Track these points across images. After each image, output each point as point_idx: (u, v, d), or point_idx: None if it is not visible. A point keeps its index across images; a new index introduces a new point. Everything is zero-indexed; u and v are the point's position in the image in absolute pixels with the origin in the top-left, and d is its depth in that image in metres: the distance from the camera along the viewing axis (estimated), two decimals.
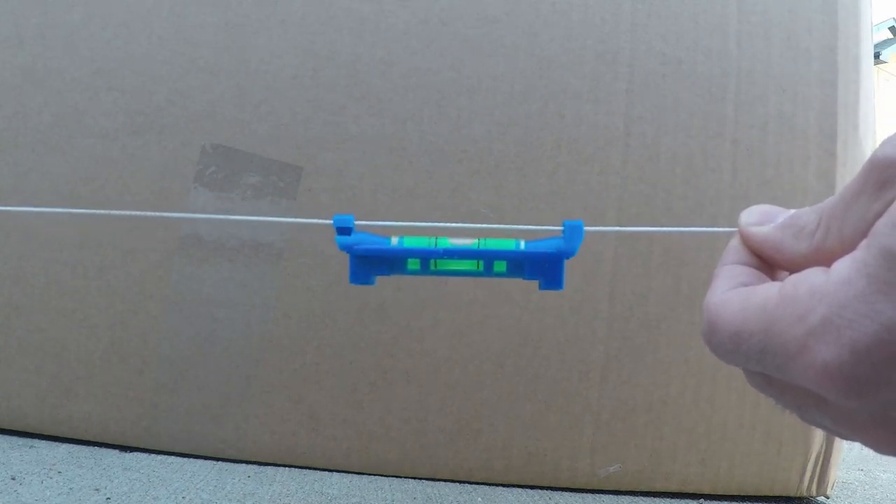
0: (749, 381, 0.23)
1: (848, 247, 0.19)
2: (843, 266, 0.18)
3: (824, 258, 0.20)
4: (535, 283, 0.29)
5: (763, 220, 0.23)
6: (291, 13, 0.65)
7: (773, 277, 0.23)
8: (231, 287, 0.63)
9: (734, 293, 0.22)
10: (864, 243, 0.18)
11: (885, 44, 8.90)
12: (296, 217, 0.63)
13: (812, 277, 0.19)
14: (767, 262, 0.23)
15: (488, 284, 0.63)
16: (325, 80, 0.64)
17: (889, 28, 9.33)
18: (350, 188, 0.63)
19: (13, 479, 0.53)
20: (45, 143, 0.65)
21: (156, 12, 0.65)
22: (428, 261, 0.30)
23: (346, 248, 0.30)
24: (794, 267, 0.22)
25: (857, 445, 1.00)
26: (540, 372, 0.63)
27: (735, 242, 0.24)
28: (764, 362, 0.20)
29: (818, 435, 0.66)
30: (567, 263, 0.29)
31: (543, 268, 0.29)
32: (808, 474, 0.66)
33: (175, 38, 0.65)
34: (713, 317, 0.22)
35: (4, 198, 0.65)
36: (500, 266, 0.30)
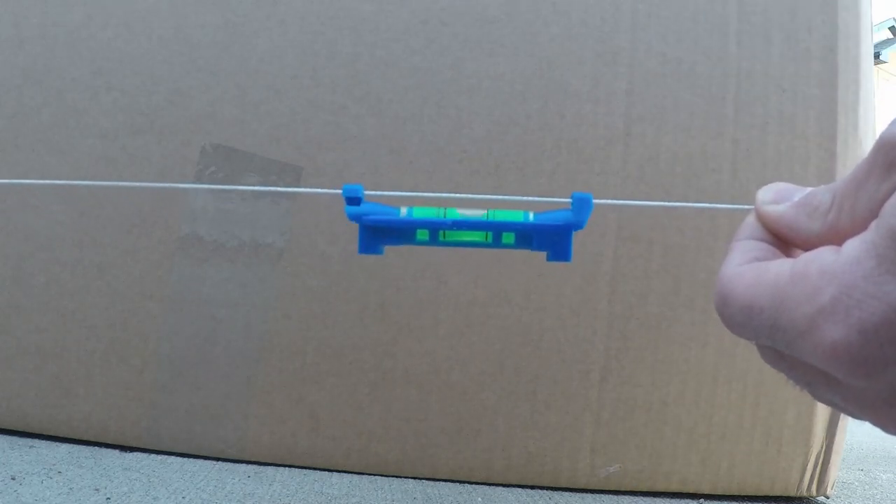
0: (761, 355, 0.23)
1: (860, 226, 0.19)
2: (853, 246, 0.18)
3: (837, 237, 0.20)
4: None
5: (779, 198, 0.23)
6: (291, 13, 0.65)
7: (786, 253, 0.23)
8: (231, 287, 0.63)
9: (748, 267, 0.22)
10: (873, 224, 0.18)
11: (885, 44, 8.90)
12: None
13: (823, 257, 0.19)
14: (783, 240, 0.23)
15: (488, 285, 0.63)
16: (325, 80, 0.64)
17: (889, 28, 9.33)
18: None
19: (13, 479, 0.53)
20: (45, 143, 0.65)
21: (156, 12, 0.65)
22: (437, 231, 0.30)
23: (355, 218, 0.30)
24: (808, 245, 0.22)
25: (857, 445, 1.00)
26: (540, 372, 0.63)
27: (751, 219, 0.24)
28: (774, 338, 0.20)
29: (818, 435, 0.66)
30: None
31: (552, 239, 0.29)
32: (808, 474, 0.66)
33: (175, 38, 0.65)
34: (726, 289, 0.22)
35: (4, 198, 0.65)
36: (509, 237, 0.30)
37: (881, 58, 8.62)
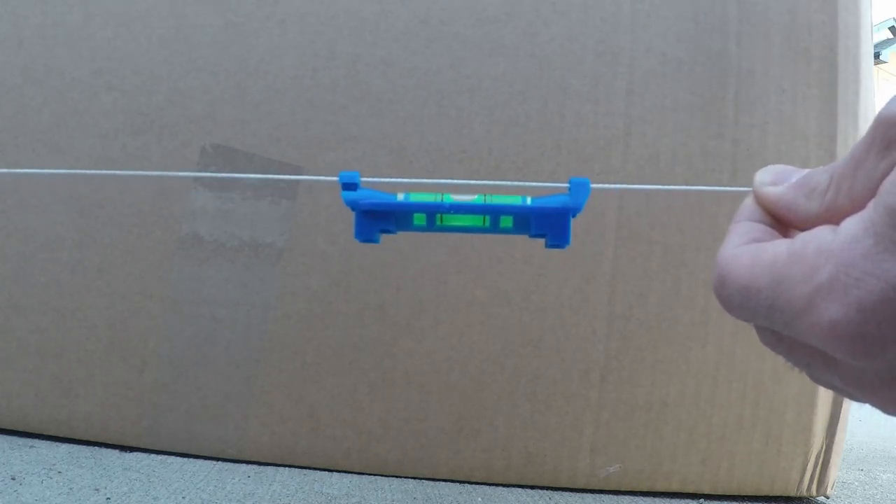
0: (760, 337, 0.23)
1: (858, 205, 0.19)
2: (851, 224, 0.18)
3: (835, 217, 0.20)
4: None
5: (777, 179, 0.23)
6: (291, 13, 0.65)
7: (785, 235, 0.23)
8: (231, 287, 0.63)
9: (745, 248, 0.22)
10: (871, 202, 0.18)
11: (885, 44, 8.90)
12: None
13: (821, 236, 0.19)
14: (781, 221, 0.23)
15: (488, 285, 0.63)
16: (325, 80, 0.64)
17: (889, 28, 9.33)
18: None
19: (13, 479, 0.53)
20: (45, 143, 0.65)
21: (156, 12, 0.65)
22: (434, 216, 0.29)
23: (351, 203, 0.30)
24: (807, 226, 0.22)
25: (857, 446, 1.00)
26: (540, 372, 0.63)
27: (749, 201, 0.24)
28: (772, 318, 0.20)
29: (818, 435, 0.66)
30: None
31: (549, 223, 0.29)
32: (808, 474, 0.66)
33: (175, 38, 0.65)
34: (724, 270, 0.22)
35: (4, 198, 0.65)
36: (507, 221, 0.29)
37: (881, 58, 8.62)
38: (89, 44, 0.65)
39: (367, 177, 0.62)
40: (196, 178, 0.64)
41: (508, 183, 0.31)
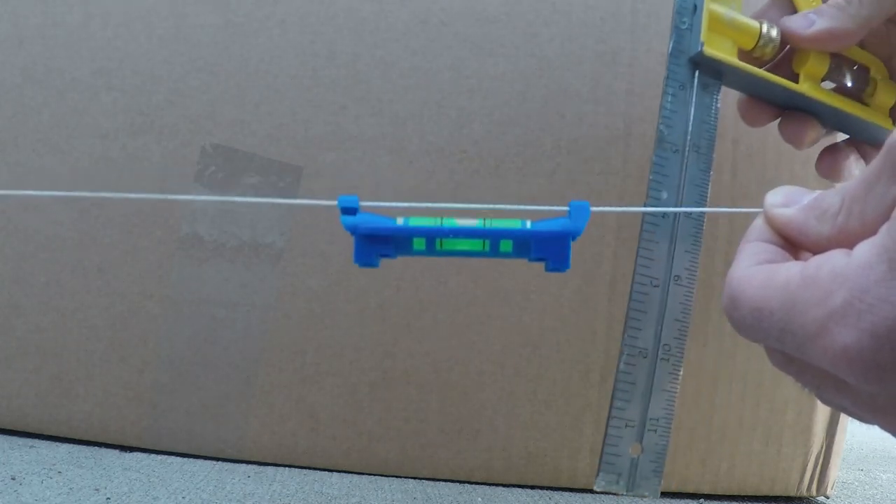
0: (770, 358, 0.23)
1: (870, 229, 0.19)
2: (865, 250, 0.18)
3: (847, 240, 0.20)
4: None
5: (788, 201, 0.23)
6: (291, 13, 0.65)
7: (796, 256, 0.23)
8: (231, 287, 0.63)
9: (757, 269, 0.22)
10: (884, 227, 0.18)
11: None
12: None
13: (834, 260, 0.19)
14: (792, 243, 0.23)
15: (488, 285, 0.63)
16: (325, 80, 0.64)
17: None
18: (350, 188, 0.63)
19: (13, 479, 0.53)
20: (45, 143, 0.65)
21: (156, 12, 0.65)
22: (434, 240, 0.30)
23: (351, 228, 0.30)
24: (818, 248, 0.22)
25: (857, 446, 1.00)
26: (540, 372, 0.63)
27: (759, 222, 0.24)
28: (784, 341, 0.20)
29: (818, 435, 0.66)
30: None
31: (549, 247, 0.29)
32: (808, 474, 0.66)
33: (175, 38, 0.65)
34: (735, 291, 0.22)
35: (4, 197, 0.65)
36: (507, 246, 0.30)
37: None
38: (89, 44, 0.65)
39: (367, 177, 0.62)
40: (196, 179, 0.64)
41: (508, 206, 0.31)
